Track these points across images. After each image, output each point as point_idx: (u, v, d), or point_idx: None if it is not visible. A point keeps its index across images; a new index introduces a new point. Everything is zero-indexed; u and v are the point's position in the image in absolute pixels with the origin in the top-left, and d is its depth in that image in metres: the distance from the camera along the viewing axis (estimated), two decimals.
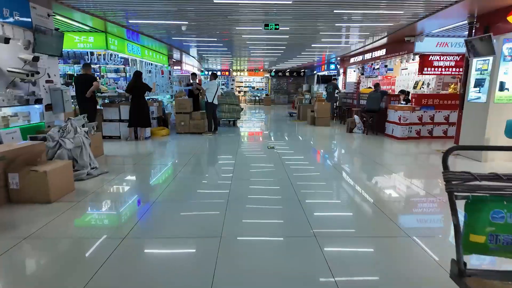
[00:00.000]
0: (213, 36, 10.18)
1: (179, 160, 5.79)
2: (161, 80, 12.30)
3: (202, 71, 25.09)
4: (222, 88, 26.15)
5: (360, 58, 13.46)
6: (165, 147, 7.14)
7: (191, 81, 10.01)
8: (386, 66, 11.17)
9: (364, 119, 9.45)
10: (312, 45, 11.75)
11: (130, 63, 11.14)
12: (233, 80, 25.45)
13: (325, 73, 19.27)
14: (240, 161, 5.66)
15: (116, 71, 11.75)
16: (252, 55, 15.48)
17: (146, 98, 9.18)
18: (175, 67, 16.61)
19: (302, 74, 25.65)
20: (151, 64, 12.29)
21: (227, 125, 10.91)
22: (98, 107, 7.80)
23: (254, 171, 5.05)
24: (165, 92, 11.49)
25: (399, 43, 9.70)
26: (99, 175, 4.59)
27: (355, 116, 9.38)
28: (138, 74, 7.37)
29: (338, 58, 15.77)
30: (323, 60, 17.52)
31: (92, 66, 9.93)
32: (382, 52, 10.95)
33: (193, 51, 14.36)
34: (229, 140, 7.92)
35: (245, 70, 25.68)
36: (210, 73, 9.16)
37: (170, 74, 13.90)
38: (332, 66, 17.42)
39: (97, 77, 7.42)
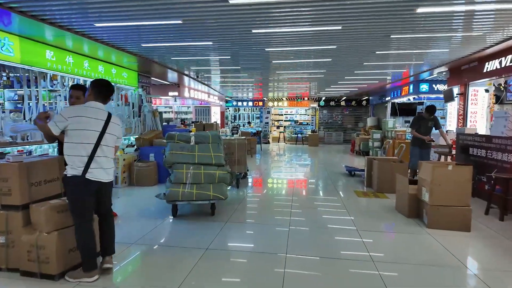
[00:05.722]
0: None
1: None
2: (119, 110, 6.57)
3: (227, 101, 19.60)
4: (255, 124, 20.35)
5: None
6: None
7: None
8: None
9: None
10: (393, 38, 5.17)
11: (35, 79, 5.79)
12: (268, 112, 19.48)
13: (410, 98, 12.19)
14: None
15: None
16: (280, 66, 9.21)
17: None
18: (170, 94, 11.15)
19: (364, 103, 18.68)
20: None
21: (198, 212, 4.58)
22: None
23: None
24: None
25: None
26: None
27: None
28: None
29: (444, 72, 8.76)
30: (406, 77, 10.60)
31: None
32: None
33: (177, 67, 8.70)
34: None
35: (285, 99, 19.63)
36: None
37: (141, 103, 8.40)
38: (424, 87, 10.40)
39: None
